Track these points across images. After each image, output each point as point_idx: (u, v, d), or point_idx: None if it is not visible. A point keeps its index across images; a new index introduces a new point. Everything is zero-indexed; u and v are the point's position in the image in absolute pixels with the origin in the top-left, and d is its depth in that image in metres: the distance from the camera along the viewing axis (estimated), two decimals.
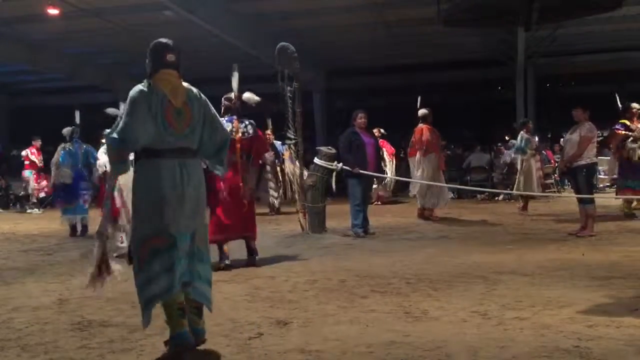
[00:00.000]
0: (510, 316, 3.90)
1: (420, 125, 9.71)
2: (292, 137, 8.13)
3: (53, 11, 12.21)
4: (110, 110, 7.23)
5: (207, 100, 3.57)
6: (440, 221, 9.50)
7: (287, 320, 3.98)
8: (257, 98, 6.36)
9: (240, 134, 5.99)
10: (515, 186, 10.96)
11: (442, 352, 3.24)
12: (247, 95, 6.30)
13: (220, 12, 12.78)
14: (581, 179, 7.50)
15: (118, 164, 3.40)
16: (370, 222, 8.35)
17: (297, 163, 10.71)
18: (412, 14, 13.93)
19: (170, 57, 3.46)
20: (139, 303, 3.33)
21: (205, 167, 3.80)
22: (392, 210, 11.52)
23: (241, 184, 5.99)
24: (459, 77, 20.27)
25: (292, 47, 8.12)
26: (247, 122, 6.11)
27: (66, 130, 9.18)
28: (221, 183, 5.83)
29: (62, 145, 9.11)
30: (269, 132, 11.18)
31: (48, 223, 10.18)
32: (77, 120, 8.43)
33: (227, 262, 5.97)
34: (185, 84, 3.50)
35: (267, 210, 11.39)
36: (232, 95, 6.18)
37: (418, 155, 9.55)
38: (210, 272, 3.57)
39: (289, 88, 8.00)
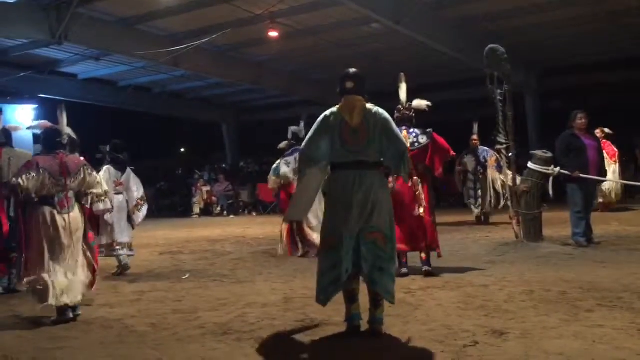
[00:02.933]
0: None
1: None
2: (504, 141, 7.84)
3: (273, 33, 13.35)
4: (293, 128, 8.15)
5: (387, 118, 4.01)
6: None
7: (504, 330, 3.85)
8: (425, 103, 6.21)
9: (407, 145, 5.81)
10: None
11: None
12: (416, 102, 6.20)
13: (425, 20, 12.83)
14: None
15: (301, 168, 4.19)
16: (593, 230, 7.71)
17: (505, 170, 10.29)
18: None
19: (349, 85, 4.06)
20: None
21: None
22: (619, 218, 10.45)
23: (409, 194, 5.88)
24: None
25: (501, 49, 7.85)
26: (418, 132, 6.02)
27: (283, 144, 9.93)
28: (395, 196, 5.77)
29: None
30: (475, 137, 10.96)
31: (272, 228, 11.10)
32: (290, 135, 9.05)
33: (403, 270, 5.93)
34: (367, 105, 4.01)
35: (473, 220, 11.16)
36: (401, 105, 6.15)
37: None
38: (392, 267, 3.99)
39: (499, 91, 7.74)
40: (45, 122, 5.08)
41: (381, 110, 4.03)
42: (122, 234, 6.96)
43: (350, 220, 3.87)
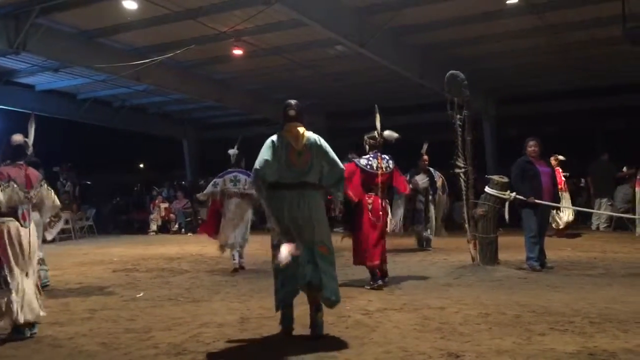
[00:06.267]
0: None
1: None
2: (462, 165, 7.97)
3: (237, 52, 13.34)
4: (231, 151, 8.59)
5: (325, 144, 4.55)
6: (631, 256, 8.67)
7: (459, 353, 3.88)
8: (396, 135, 6.81)
9: (383, 169, 6.63)
10: None
11: None
12: (387, 133, 6.79)
13: (389, 45, 13.02)
14: None
15: (259, 189, 4.53)
16: (547, 255, 7.88)
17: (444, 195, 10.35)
18: (591, 35, 13.08)
19: (292, 113, 4.58)
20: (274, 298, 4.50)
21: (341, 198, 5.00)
22: (572, 244, 10.72)
23: (381, 213, 6.58)
24: None
25: (461, 75, 8.02)
26: (387, 158, 6.74)
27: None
28: (369, 213, 6.48)
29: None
30: (425, 157, 10.51)
31: None
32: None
33: (380, 282, 6.55)
34: (307, 133, 4.52)
35: (415, 244, 10.58)
36: (376, 134, 6.74)
37: None
38: (334, 271, 4.49)
39: (458, 116, 7.89)
40: (18, 135, 4.95)
41: (319, 138, 4.58)
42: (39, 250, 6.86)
43: (298, 234, 4.33)
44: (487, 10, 11.67)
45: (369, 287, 6.49)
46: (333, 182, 4.62)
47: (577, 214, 12.44)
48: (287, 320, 4.47)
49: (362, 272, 6.84)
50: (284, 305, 4.46)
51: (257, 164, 4.46)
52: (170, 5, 11.23)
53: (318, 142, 4.53)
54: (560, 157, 11.63)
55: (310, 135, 4.55)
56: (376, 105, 6.84)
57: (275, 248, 4.39)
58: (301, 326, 4.52)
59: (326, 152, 4.53)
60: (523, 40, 13.46)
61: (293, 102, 4.69)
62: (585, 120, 19.32)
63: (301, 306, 4.57)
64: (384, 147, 6.79)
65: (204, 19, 11.83)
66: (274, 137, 4.52)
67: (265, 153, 4.45)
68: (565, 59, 15.17)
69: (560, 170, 11.51)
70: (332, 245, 4.57)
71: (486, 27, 12.57)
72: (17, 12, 11.16)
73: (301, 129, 4.54)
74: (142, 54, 13.15)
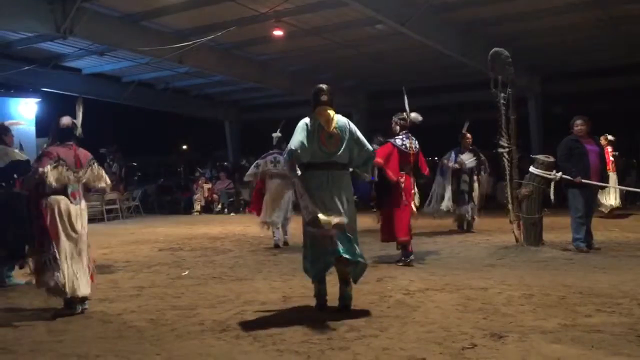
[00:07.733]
0: None
1: None
2: (506, 144, 7.82)
3: (278, 33, 13.34)
4: (274, 134, 9.07)
5: (354, 127, 4.80)
6: None
7: (502, 333, 3.85)
8: (421, 118, 7.02)
9: (413, 149, 6.88)
10: None
11: None
12: (413, 115, 6.99)
13: (430, 22, 12.80)
14: None
15: (292, 168, 4.60)
16: (594, 236, 7.70)
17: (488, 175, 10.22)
18: None
19: (323, 97, 4.72)
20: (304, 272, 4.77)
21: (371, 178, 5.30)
22: (620, 225, 10.44)
23: (413, 191, 6.88)
24: None
25: (506, 52, 7.85)
26: (414, 139, 6.96)
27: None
28: (402, 191, 6.69)
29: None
30: (469, 135, 10.24)
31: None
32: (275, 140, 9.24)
33: (411, 258, 6.81)
34: (337, 116, 4.72)
35: (455, 226, 10.33)
36: (405, 115, 6.96)
37: None
38: (358, 249, 4.64)
39: (502, 94, 7.74)
40: (67, 118, 5.11)
41: (349, 121, 4.80)
42: None
43: (326, 212, 4.45)
44: None
45: (401, 264, 6.76)
46: (362, 163, 4.85)
47: (624, 198, 12.09)
48: (321, 295, 4.68)
49: (395, 250, 7.03)
50: (318, 281, 4.68)
51: (293, 144, 4.60)
52: None
53: (348, 126, 4.74)
54: (610, 137, 11.29)
55: (340, 118, 4.74)
56: (404, 87, 6.97)
57: (308, 226, 4.55)
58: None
59: (357, 135, 4.75)
60: (569, 15, 13.03)
61: (324, 86, 4.83)
62: (636, 97, 18.64)
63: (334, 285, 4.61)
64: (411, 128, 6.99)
65: (244, 0, 11.84)
66: (307, 120, 4.68)
67: (300, 135, 4.61)
68: (614, 34, 14.64)
69: (610, 149, 11.19)
70: (357, 226, 4.76)
71: (530, 3, 12.22)
72: None
73: (331, 112, 4.70)
74: (184, 37, 13.29)
